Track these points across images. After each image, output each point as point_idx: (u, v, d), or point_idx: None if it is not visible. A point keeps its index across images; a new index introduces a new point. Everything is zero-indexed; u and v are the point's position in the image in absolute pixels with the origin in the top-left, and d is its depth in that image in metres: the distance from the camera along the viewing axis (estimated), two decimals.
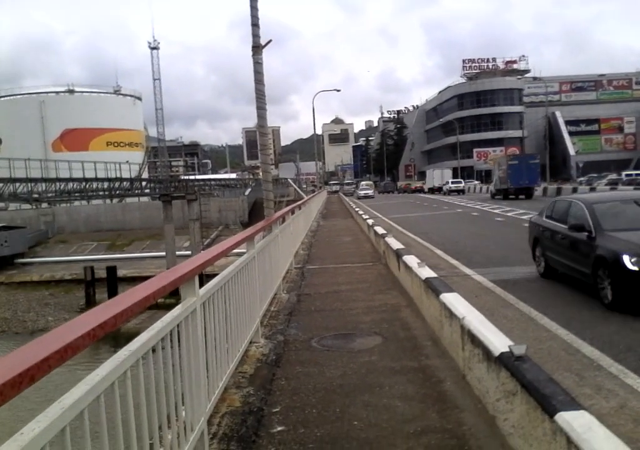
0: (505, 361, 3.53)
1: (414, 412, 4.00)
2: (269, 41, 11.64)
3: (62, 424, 1.70)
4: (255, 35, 11.16)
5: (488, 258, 12.20)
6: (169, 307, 3.21)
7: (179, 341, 3.02)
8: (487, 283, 9.28)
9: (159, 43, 79.61)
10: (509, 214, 24.35)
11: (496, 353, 3.69)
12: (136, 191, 40.04)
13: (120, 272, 26.56)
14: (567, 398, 2.87)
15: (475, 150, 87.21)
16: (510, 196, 40.32)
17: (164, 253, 29.83)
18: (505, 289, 8.69)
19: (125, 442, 2.22)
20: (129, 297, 2.52)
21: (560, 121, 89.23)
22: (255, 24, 11.14)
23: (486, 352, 3.90)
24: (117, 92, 73.35)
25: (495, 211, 26.99)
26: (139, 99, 77.38)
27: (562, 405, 2.75)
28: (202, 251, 29.01)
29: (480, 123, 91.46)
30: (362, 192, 62.82)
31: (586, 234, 8.08)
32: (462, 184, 60.77)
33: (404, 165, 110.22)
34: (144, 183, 42.87)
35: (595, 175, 65.30)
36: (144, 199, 45.48)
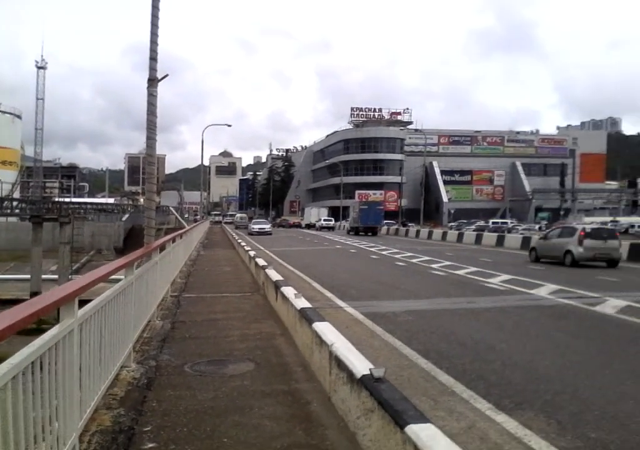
0: (366, 382, 3.85)
1: (281, 430, 4.21)
2: (166, 75, 11.68)
3: None
4: (153, 69, 11.20)
5: (361, 292, 12.77)
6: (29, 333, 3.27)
7: (55, 359, 3.09)
8: (358, 315, 9.71)
9: (46, 63, 76.63)
10: (384, 253, 25.51)
11: (358, 375, 4.01)
12: (6, 210, 37.76)
13: None
14: (417, 413, 3.21)
15: (357, 191, 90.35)
16: (360, 233, 49.96)
17: (29, 276, 28.15)
18: (374, 321, 9.14)
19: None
20: (15, 313, 2.61)
21: (437, 171, 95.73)
22: (153, 58, 11.19)
23: (350, 374, 4.21)
24: None
25: (371, 249, 28.14)
26: (19, 117, 74.93)
27: (412, 419, 3.09)
28: (70, 276, 27.59)
29: (363, 167, 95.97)
30: (255, 227, 50.00)
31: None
32: (332, 222, 67.88)
33: (289, 201, 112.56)
34: (14, 203, 40.49)
35: (464, 221, 70.02)
36: (12, 219, 42.98)
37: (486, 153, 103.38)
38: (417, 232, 45.63)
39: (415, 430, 2.97)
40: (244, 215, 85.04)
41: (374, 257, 23.80)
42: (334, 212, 79.30)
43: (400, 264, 20.18)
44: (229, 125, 54.35)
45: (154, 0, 11.24)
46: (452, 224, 71.31)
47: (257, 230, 48.66)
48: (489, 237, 34.31)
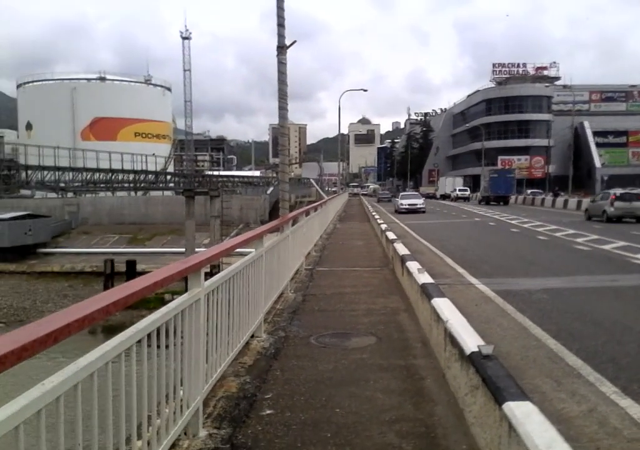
0: (474, 359, 3.91)
1: (392, 404, 4.41)
2: (294, 42, 11.84)
3: (75, 380, 2.13)
4: (281, 36, 11.36)
5: (495, 268, 12.54)
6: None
7: (181, 327, 3.41)
8: (489, 293, 9.59)
9: (190, 33, 78.62)
10: (525, 225, 24.57)
11: (467, 352, 4.08)
12: (160, 185, 40.62)
13: (140, 267, 26.68)
14: (518, 391, 3.24)
15: (500, 157, 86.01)
16: (492, 202, 50.07)
17: (183, 249, 30.34)
18: (505, 299, 8.99)
19: (127, 411, 2.65)
20: (141, 281, 2.95)
21: (588, 132, 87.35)
22: (280, 24, 11.35)
23: (461, 351, 4.28)
24: (147, 81, 72.50)
25: (512, 222, 27.21)
26: (169, 89, 76.55)
27: (511, 396, 3.13)
28: None
29: (507, 129, 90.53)
30: (404, 203, 38.70)
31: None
32: (468, 192, 66.69)
33: (427, 170, 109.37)
34: (168, 177, 43.41)
35: (620, 189, 64.53)
36: (168, 193, 45.97)
37: None
38: (565, 202, 42.95)
39: (512, 407, 3.01)
40: (377, 186, 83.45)
41: (514, 230, 23.04)
42: (475, 181, 76.81)
43: (542, 237, 19.39)
44: (365, 90, 53.25)
45: None
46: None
47: (407, 206, 37.85)
48: None
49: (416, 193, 49.38)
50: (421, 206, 38.39)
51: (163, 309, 3.20)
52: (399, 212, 37.50)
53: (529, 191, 58.90)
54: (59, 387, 2.03)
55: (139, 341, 2.78)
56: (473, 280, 10.85)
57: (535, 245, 17.56)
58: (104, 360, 2.38)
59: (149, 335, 2.91)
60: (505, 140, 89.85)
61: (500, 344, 6.39)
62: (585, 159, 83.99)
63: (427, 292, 6.50)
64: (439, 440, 3.83)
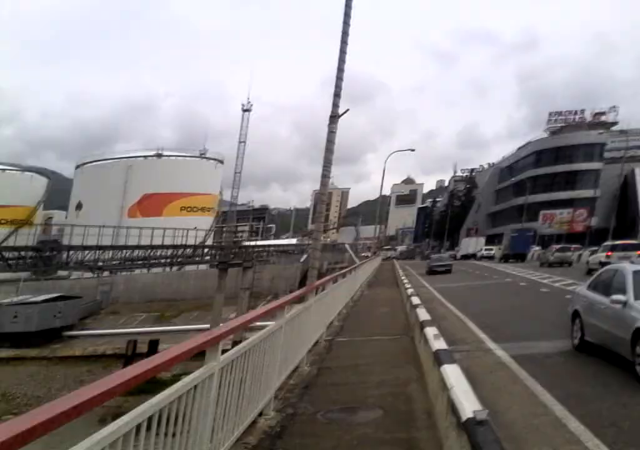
0: (467, 426, 3.89)
1: None
2: (346, 110, 12.03)
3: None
4: (335, 105, 11.58)
5: (516, 332, 12.34)
6: None
7: (192, 402, 3.49)
8: (506, 358, 9.53)
9: (252, 105, 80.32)
10: (556, 284, 24.17)
11: (463, 419, 4.04)
12: (197, 258, 40.73)
13: (162, 346, 26.32)
14: None
15: (542, 212, 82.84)
16: (510, 260, 56.45)
17: (208, 325, 29.98)
18: (520, 364, 8.92)
19: None
20: (161, 356, 3.14)
21: (638, 179, 78.78)
22: (337, 94, 11.61)
23: (458, 419, 4.22)
24: (202, 155, 72.15)
25: (544, 281, 26.81)
26: (221, 162, 75.98)
27: None
28: None
29: (553, 182, 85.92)
30: None
31: None
32: (493, 252, 70.67)
33: (466, 228, 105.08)
34: (205, 250, 43.61)
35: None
36: (203, 266, 45.30)
37: None
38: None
39: None
40: (404, 248, 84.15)
41: (543, 290, 22.64)
42: (493, 240, 78.55)
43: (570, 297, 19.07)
44: (412, 150, 53.07)
45: (342, 46, 11.78)
46: None
47: None
48: None
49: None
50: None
51: (178, 384, 3.27)
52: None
53: (555, 246, 48.94)
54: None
55: (150, 417, 2.85)
56: (492, 345, 10.77)
57: (563, 305, 17.18)
58: (120, 433, 2.49)
59: (160, 411, 2.98)
60: (551, 192, 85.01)
61: (507, 412, 6.41)
62: (632, 209, 76.00)
63: (438, 359, 6.42)
64: None
